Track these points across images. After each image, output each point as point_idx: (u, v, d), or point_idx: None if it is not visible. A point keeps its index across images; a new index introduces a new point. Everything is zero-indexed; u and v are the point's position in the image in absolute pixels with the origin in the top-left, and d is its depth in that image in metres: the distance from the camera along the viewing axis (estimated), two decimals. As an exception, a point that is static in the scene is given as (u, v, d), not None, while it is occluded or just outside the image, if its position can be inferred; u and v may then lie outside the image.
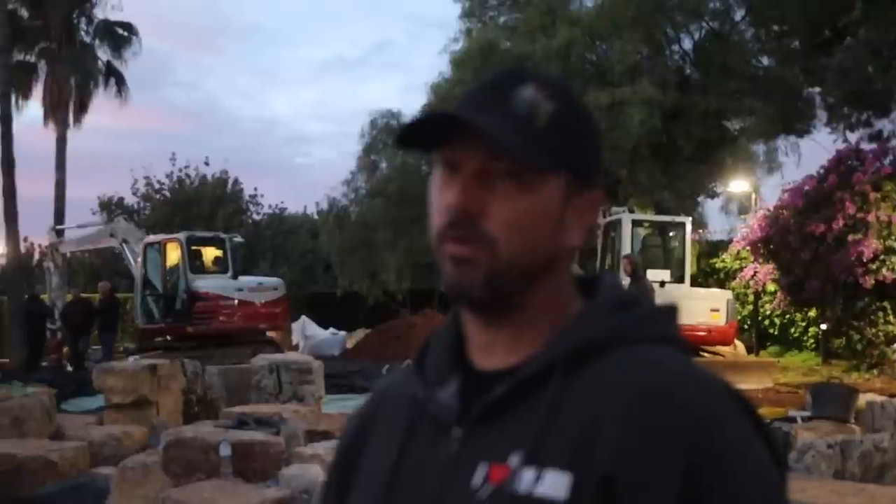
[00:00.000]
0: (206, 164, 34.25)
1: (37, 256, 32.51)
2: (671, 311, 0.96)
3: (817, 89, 18.59)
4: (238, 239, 19.76)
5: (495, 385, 0.90)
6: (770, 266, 17.04)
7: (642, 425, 0.82)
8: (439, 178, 0.92)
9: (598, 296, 0.94)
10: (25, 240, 28.63)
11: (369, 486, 0.96)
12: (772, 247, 16.30)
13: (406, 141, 0.92)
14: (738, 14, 21.07)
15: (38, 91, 25.95)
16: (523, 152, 0.87)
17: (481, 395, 0.90)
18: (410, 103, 51.96)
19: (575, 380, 0.87)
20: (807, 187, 15.67)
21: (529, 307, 0.92)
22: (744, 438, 0.84)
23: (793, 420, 8.23)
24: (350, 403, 11.66)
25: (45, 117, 25.59)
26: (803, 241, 15.01)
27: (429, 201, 0.93)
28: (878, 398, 9.14)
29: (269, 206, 36.51)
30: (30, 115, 44.07)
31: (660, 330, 0.93)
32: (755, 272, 17.97)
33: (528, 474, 0.84)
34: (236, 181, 34.63)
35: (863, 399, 8.94)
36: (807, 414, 8.49)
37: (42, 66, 26.15)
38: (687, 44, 21.70)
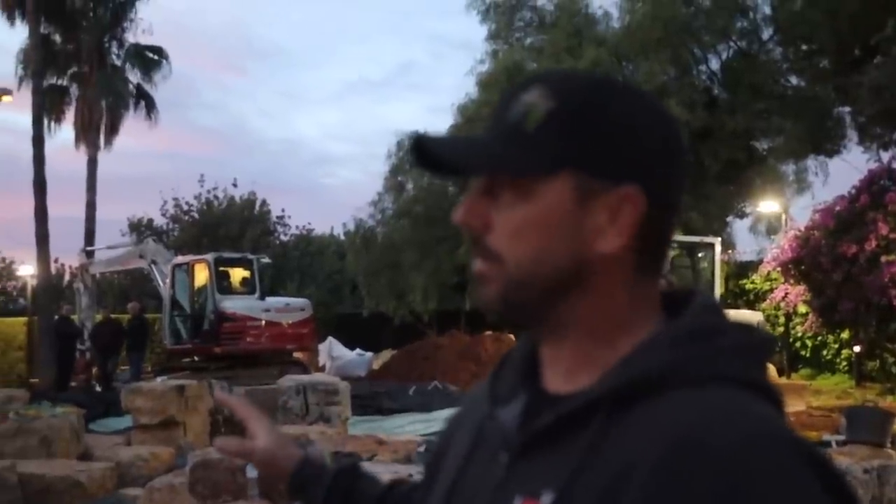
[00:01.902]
0: (235, 185, 34.55)
1: (67, 277, 32.88)
2: (763, 345, 0.85)
3: (847, 108, 18.42)
4: (265, 260, 19.84)
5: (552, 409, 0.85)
6: (801, 287, 16.82)
7: (671, 480, 0.72)
8: None
9: (679, 319, 0.84)
10: (56, 261, 28.99)
11: (438, 494, 0.95)
12: (803, 268, 16.10)
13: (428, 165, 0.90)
14: (766, 33, 20.98)
15: (69, 114, 26.33)
16: (485, 163, 0.85)
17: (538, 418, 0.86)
18: (437, 124, 52.37)
19: (621, 419, 0.79)
20: (838, 207, 15.48)
21: (570, 325, 0.86)
22: (798, 499, 0.71)
23: (827, 444, 8.10)
24: (376, 425, 11.62)
25: (77, 139, 25.93)
26: (835, 261, 14.81)
27: None
28: (915, 422, 8.95)
29: (297, 228, 36.71)
30: (61, 137, 44.81)
31: (735, 369, 0.80)
32: (786, 293, 17.74)
33: None
34: (264, 202, 34.86)
35: (899, 423, 8.76)
36: (841, 438, 8.35)
37: (74, 90, 26.54)
38: (714, 64, 21.64)
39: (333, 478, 1.21)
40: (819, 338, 18.91)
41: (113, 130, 26.35)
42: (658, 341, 0.82)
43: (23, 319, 25.26)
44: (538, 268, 0.84)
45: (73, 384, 18.14)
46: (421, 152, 0.88)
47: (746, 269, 21.47)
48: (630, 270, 0.85)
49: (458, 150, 0.88)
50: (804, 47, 19.50)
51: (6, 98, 26.28)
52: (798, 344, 19.61)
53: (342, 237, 33.14)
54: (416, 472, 4.63)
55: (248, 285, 18.45)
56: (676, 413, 0.76)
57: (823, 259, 15.11)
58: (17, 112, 67.10)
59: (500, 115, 0.87)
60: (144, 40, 26.73)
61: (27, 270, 27.89)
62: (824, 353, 19.28)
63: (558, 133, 0.83)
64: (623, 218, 0.83)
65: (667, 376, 0.79)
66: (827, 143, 19.57)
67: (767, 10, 20.65)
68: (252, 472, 5.47)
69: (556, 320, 0.85)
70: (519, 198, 0.84)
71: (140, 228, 33.80)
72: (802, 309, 17.79)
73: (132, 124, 29.75)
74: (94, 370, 18.82)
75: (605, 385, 0.81)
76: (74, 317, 20.28)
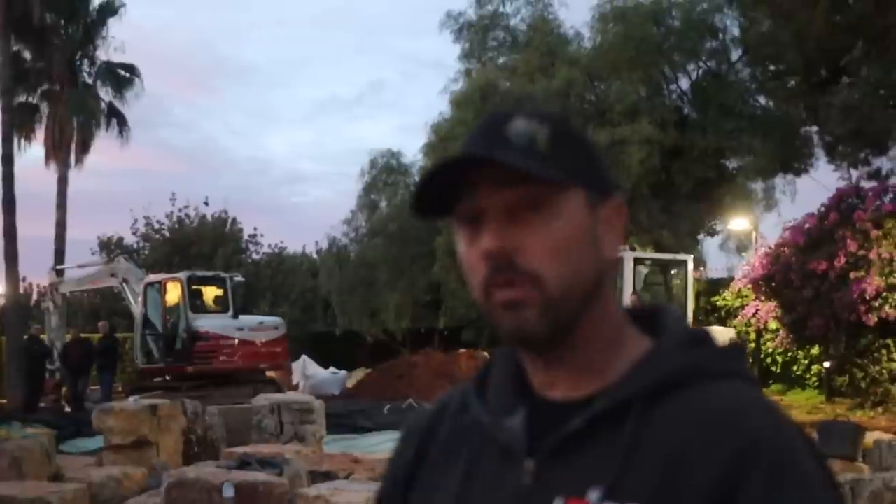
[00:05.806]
0: (206, 204, 34.32)
1: (35, 296, 32.45)
2: (740, 347, 0.98)
3: (815, 128, 18.71)
4: (239, 278, 19.73)
5: (567, 416, 0.89)
6: (772, 304, 16.99)
7: (730, 462, 0.83)
8: (465, 236, 0.91)
9: (668, 330, 0.94)
10: (24, 280, 28.59)
11: None
12: (773, 284, 16.27)
13: (422, 208, 0.91)
14: (735, 54, 21.31)
15: (40, 132, 26.05)
16: (541, 171, 0.86)
17: (553, 425, 0.89)
18: (408, 143, 52.63)
19: (653, 414, 0.87)
20: (808, 225, 15.68)
21: (583, 327, 0.91)
22: (819, 476, 0.86)
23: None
24: (351, 443, 11.56)
25: (47, 157, 25.64)
26: (805, 278, 14.99)
27: (462, 264, 0.92)
28: (885, 436, 9.08)
29: (269, 246, 36.52)
30: (31, 155, 44.11)
31: (732, 366, 0.93)
32: (757, 310, 17.91)
33: None
34: (235, 221, 34.66)
35: (869, 437, 8.87)
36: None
37: (44, 108, 26.28)
38: (685, 84, 21.94)
39: None
40: (789, 353, 19.07)
41: (84, 149, 26.12)
42: (669, 347, 0.92)
43: (-9, 339, 24.88)
44: (576, 279, 0.89)
45: (42, 405, 17.90)
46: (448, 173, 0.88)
47: (717, 286, 21.62)
48: (614, 275, 0.96)
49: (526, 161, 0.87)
50: (772, 68, 19.81)
51: (-25, 116, 26.03)
52: (769, 360, 19.76)
53: (314, 255, 33.03)
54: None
55: (221, 304, 18.34)
56: (714, 405, 0.87)
57: (794, 276, 15.29)
58: (-14, 130, 66.10)
59: (496, 141, 0.87)
60: (116, 58, 26.60)
61: (-5, 290, 27.51)
62: (795, 368, 19.42)
63: (564, 152, 0.89)
64: (617, 224, 0.93)
65: (689, 375, 0.89)
66: (795, 162, 19.86)
67: (736, 31, 21.00)
68: (228, 492, 5.44)
69: (578, 332, 0.91)
70: (550, 216, 0.87)
71: (110, 247, 33.46)
72: (773, 325, 17.96)
73: (103, 143, 29.37)
74: (64, 390, 18.58)
75: (636, 384, 0.88)
76: (44, 336, 20.02)
